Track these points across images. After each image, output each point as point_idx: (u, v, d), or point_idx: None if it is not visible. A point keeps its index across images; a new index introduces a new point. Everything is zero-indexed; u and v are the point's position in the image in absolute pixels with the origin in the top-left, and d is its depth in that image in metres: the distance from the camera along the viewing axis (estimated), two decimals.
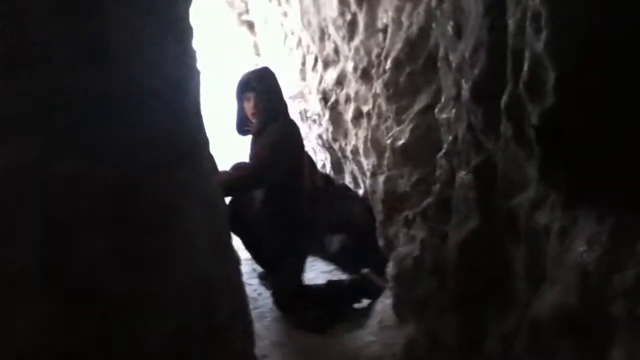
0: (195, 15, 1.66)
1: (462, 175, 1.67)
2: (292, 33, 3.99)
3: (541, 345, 1.11)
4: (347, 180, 3.73)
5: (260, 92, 3.00)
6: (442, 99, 1.87)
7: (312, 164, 3.31)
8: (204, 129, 1.56)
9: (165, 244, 1.28)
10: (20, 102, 1.06)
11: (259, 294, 3.18)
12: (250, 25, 5.09)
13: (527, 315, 1.18)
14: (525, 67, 1.09)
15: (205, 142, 1.54)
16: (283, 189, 2.86)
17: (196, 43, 1.58)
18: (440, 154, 1.89)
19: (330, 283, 2.98)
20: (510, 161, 1.30)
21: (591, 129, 0.99)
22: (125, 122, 1.21)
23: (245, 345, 1.77)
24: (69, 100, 1.10)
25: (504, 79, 1.26)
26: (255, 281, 3.29)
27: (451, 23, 1.68)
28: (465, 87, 1.53)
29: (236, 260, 1.71)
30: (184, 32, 1.52)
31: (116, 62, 1.20)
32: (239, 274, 1.72)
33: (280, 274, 2.83)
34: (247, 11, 5.01)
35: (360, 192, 3.51)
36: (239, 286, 1.71)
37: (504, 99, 1.24)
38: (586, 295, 0.96)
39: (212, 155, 1.63)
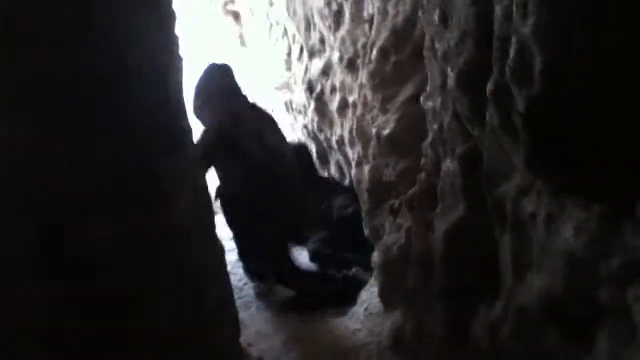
0: (180, 6, 1.64)
1: (447, 163, 1.67)
2: (278, 23, 3.96)
3: (527, 333, 1.11)
4: (333, 170, 3.73)
5: None
6: (428, 88, 1.86)
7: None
8: (186, 116, 1.54)
9: (158, 232, 1.27)
10: (11, 80, 1.03)
11: (244, 284, 3.18)
12: (236, 15, 5.04)
13: (513, 302, 1.19)
14: (512, 54, 1.09)
15: (189, 129, 1.52)
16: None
17: (181, 33, 1.56)
18: (426, 142, 1.88)
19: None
20: (496, 149, 1.29)
21: (579, 115, 0.99)
22: (113, 103, 1.19)
23: (231, 334, 1.77)
24: (58, 77, 1.08)
25: (490, 67, 1.26)
26: (240, 271, 3.28)
27: (437, 12, 1.67)
28: (452, 75, 1.52)
29: (221, 249, 1.70)
30: (167, 19, 1.50)
31: (101, 38, 1.18)
32: (224, 262, 1.72)
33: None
34: (232, 1, 4.96)
35: (346, 182, 3.50)
36: (225, 275, 1.71)
37: (490, 86, 1.23)
38: (572, 281, 0.97)
39: (194, 143, 1.62)
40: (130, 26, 1.27)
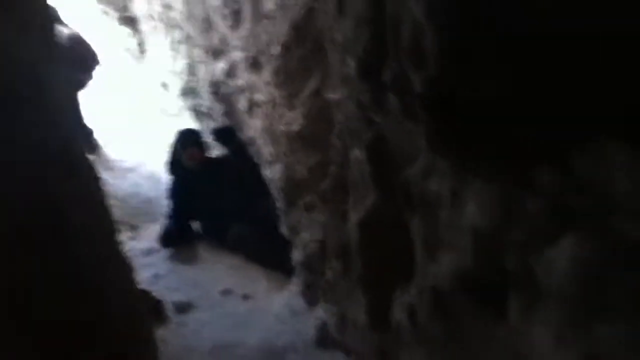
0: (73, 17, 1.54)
1: (355, 153, 1.67)
2: (176, 26, 3.83)
3: (443, 311, 1.13)
4: None
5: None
6: (331, 80, 1.86)
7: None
8: (73, 127, 1.44)
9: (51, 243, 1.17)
10: None
11: None
12: (133, 22, 4.83)
13: (427, 283, 1.20)
14: (406, 36, 1.09)
15: (75, 140, 1.42)
16: None
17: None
18: (334, 135, 1.88)
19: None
20: (399, 133, 1.31)
21: (473, 93, 1.01)
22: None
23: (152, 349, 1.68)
24: None
25: (386, 52, 1.27)
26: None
27: (334, 1, 1.67)
28: (351, 64, 1.52)
29: (129, 267, 1.61)
30: (45, 28, 1.39)
31: None
32: (132, 279, 1.62)
33: None
34: (128, 8, 4.75)
35: None
36: (133, 289, 1.61)
37: (388, 71, 1.24)
38: (480, 255, 0.98)
39: (84, 154, 1.51)
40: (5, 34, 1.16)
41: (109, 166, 4.49)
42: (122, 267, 1.56)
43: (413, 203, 1.27)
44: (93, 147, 4.36)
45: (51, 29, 1.41)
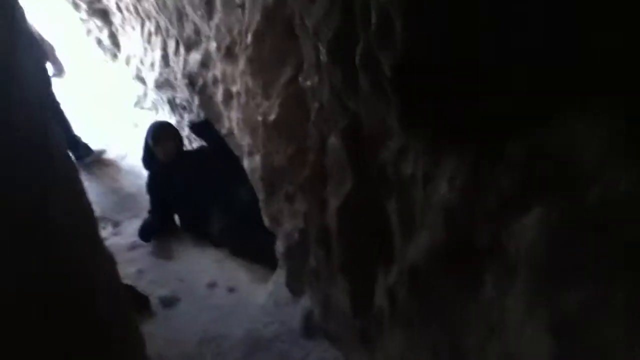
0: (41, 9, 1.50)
1: (332, 140, 1.66)
2: (149, 18, 3.77)
3: (420, 290, 1.14)
4: None
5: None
6: (305, 67, 1.85)
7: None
8: (50, 121, 1.41)
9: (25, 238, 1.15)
10: None
11: None
12: (104, 14, 4.74)
13: (405, 264, 1.20)
14: (374, 19, 1.09)
15: (51, 131, 1.39)
16: None
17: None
18: (310, 122, 1.87)
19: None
20: (372, 116, 1.30)
21: (440, 71, 1.01)
22: None
23: (131, 344, 1.67)
24: None
25: (356, 36, 1.26)
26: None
27: None
28: (323, 50, 1.51)
29: (109, 257, 1.60)
30: (14, 16, 1.35)
31: None
32: (116, 274, 1.61)
33: None
34: (98, 0, 4.65)
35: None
36: (116, 282, 1.60)
37: (358, 55, 1.23)
38: (453, 231, 0.99)
39: (63, 145, 1.49)
40: None
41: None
42: (104, 262, 1.54)
43: (389, 185, 1.28)
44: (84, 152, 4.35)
45: (22, 17, 1.37)
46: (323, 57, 1.52)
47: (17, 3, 1.38)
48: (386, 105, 1.19)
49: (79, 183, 1.64)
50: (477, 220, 0.93)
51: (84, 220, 1.54)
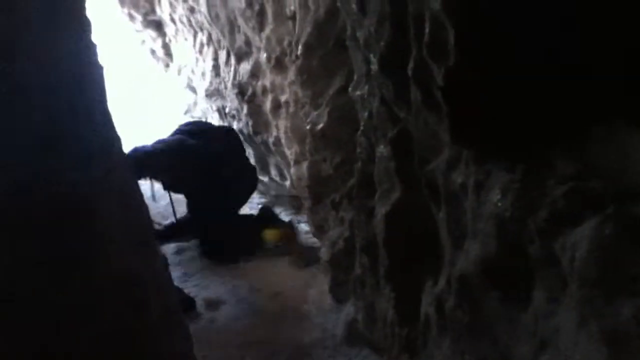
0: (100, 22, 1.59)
1: (380, 149, 1.69)
2: (202, 29, 3.90)
3: (469, 300, 1.14)
4: (273, 173, 3.71)
5: None
6: (355, 77, 1.88)
7: None
8: (112, 126, 1.48)
9: (80, 243, 1.22)
10: None
11: None
12: (158, 26, 4.92)
13: (454, 273, 1.21)
14: (427, 30, 1.11)
15: (113, 139, 1.47)
16: None
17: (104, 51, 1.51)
18: (359, 132, 1.90)
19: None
20: (423, 127, 1.32)
21: (493, 83, 1.02)
22: (25, 122, 1.13)
23: (181, 346, 1.72)
24: None
25: (409, 47, 1.29)
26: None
27: (355, 0, 1.70)
28: (374, 61, 1.54)
29: (163, 259, 1.65)
30: (83, 27, 1.44)
31: (20, 59, 1.12)
32: (166, 272, 1.67)
33: None
34: (153, 11, 4.84)
35: (287, 183, 3.49)
36: (168, 285, 1.65)
37: (411, 66, 1.26)
38: (505, 242, 1.00)
39: (123, 152, 1.56)
40: (45, 36, 1.21)
41: None
42: (158, 262, 1.60)
43: (438, 194, 1.29)
44: None
45: (90, 32, 1.46)
46: (374, 68, 1.55)
47: (87, 19, 1.46)
48: (437, 115, 1.20)
49: (135, 185, 1.71)
50: (529, 231, 0.94)
51: (139, 221, 1.60)
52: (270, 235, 3.35)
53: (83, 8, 1.46)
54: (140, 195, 1.68)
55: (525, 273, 0.95)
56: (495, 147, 1.06)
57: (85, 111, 1.36)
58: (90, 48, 1.48)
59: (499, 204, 0.98)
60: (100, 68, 1.51)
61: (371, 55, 1.57)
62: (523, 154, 1.01)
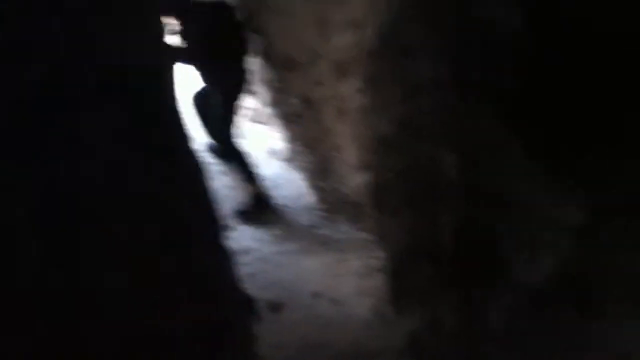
0: None
1: (447, 159, 1.67)
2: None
3: (541, 312, 1.11)
4: (333, 179, 3.72)
5: None
6: (422, 86, 1.87)
7: None
8: (182, 123, 1.53)
9: (154, 239, 1.26)
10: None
11: None
12: None
13: (523, 285, 1.18)
14: (504, 40, 1.10)
15: (185, 136, 1.51)
16: None
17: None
18: (425, 140, 1.89)
19: None
20: (492, 137, 1.30)
21: (569, 98, 1.00)
22: (102, 116, 1.19)
23: (249, 344, 1.75)
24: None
25: (482, 57, 1.27)
26: None
27: (423, 11, 1.69)
28: (444, 70, 1.54)
29: (230, 254, 1.69)
30: (160, 27, 1.51)
31: (101, 56, 1.18)
32: (234, 268, 1.70)
33: None
34: None
35: (347, 190, 3.49)
36: (237, 284, 1.70)
37: (480, 76, 1.24)
38: (580, 257, 0.97)
39: (194, 149, 1.59)
40: (126, 32, 1.27)
41: None
42: (230, 260, 1.64)
43: (509, 207, 1.26)
44: None
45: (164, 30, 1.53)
46: (442, 77, 1.54)
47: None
48: (510, 128, 1.18)
49: (205, 179, 1.75)
50: (606, 246, 0.91)
51: (211, 217, 1.64)
52: None
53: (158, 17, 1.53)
54: (211, 192, 1.72)
55: (599, 284, 0.92)
56: (570, 161, 1.03)
57: (156, 108, 1.41)
58: (165, 47, 1.54)
59: (575, 218, 0.95)
60: (172, 67, 1.58)
61: (439, 64, 1.56)
62: (596, 167, 0.98)
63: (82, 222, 1.13)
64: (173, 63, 1.67)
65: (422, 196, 1.99)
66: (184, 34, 3.58)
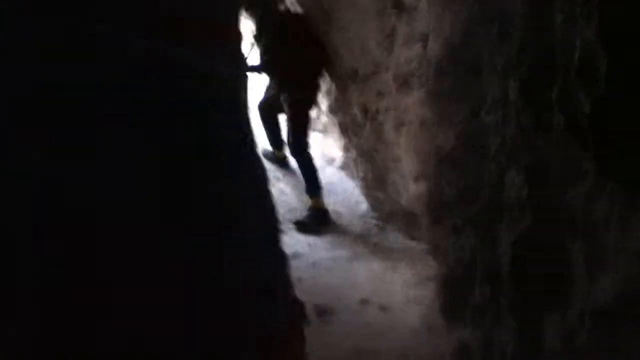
0: None
1: (512, 175, 1.67)
2: None
3: (604, 336, 1.10)
4: (390, 189, 3.75)
5: None
6: (488, 102, 1.88)
7: None
8: (252, 131, 1.59)
9: (226, 246, 1.32)
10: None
11: None
12: None
13: (588, 307, 1.18)
14: (577, 56, 1.11)
15: (254, 143, 1.57)
16: None
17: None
18: (489, 157, 1.89)
19: None
20: (563, 155, 1.30)
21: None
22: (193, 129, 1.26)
23: (298, 349, 1.80)
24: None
25: (554, 73, 1.28)
26: None
27: (495, 25, 1.71)
28: (514, 86, 1.54)
29: (286, 259, 1.74)
30: (238, 38, 1.58)
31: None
32: (289, 273, 1.75)
33: None
34: None
35: (403, 200, 3.51)
36: (290, 286, 1.74)
37: (555, 92, 1.25)
38: None
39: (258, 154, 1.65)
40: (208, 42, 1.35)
41: None
42: (287, 266, 1.69)
43: (575, 226, 1.26)
44: None
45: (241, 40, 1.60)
46: (513, 93, 1.55)
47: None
48: (581, 144, 1.19)
49: (267, 184, 1.80)
50: None
51: (271, 222, 1.69)
52: None
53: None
54: (272, 198, 1.78)
55: None
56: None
57: (234, 118, 1.48)
58: (242, 58, 1.62)
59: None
60: (246, 77, 1.65)
61: (510, 80, 1.57)
62: None
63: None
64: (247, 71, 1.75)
65: (484, 214, 1.99)
66: (260, 39, 3.70)
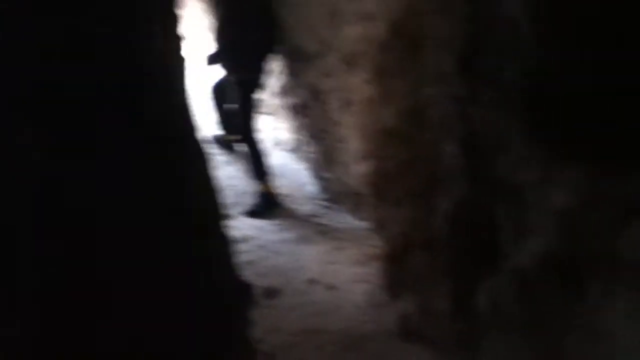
0: None
1: (448, 147, 1.72)
2: None
3: (527, 294, 1.16)
4: (338, 170, 3.78)
5: None
6: (428, 77, 1.92)
7: None
8: (191, 115, 1.57)
9: (156, 227, 1.30)
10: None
11: None
12: None
13: (513, 267, 1.24)
14: (503, 31, 1.15)
15: (191, 126, 1.55)
16: None
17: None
18: (427, 130, 1.94)
19: None
20: (492, 125, 1.35)
21: (568, 86, 1.05)
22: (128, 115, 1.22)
23: (246, 329, 1.81)
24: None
25: (485, 48, 1.32)
26: None
27: (435, 1, 1.74)
28: (449, 60, 1.59)
29: (230, 242, 1.74)
30: (173, 21, 1.55)
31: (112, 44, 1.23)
32: (233, 256, 1.75)
33: None
34: None
35: (350, 180, 3.55)
36: (236, 269, 1.74)
37: (485, 66, 1.29)
38: (567, 238, 1.02)
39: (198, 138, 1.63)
40: (142, 32, 1.31)
41: None
42: (228, 247, 1.69)
43: (503, 192, 1.32)
44: None
45: (176, 24, 1.56)
46: (448, 68, 1.59)
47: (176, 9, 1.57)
48: (509, 114, 1.24)
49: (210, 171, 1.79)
50: (590, 227, 0.96)
51: (214, 209, 1.68)
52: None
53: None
54: (214, 180, 1.76)
55: (583, 267, 0.97)
56: (563, 145, 1.08)
57: (173, 103, 1.46)
58: (178, 42, 1.58)
59: (563, 200, 1.01)
60: (184, 61, 1.62)
61: (447, 55, 1.62)
62: (590, 154, 1.03)
63: (85, 216, 1.12)
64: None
65: (422, 185, 2.04)
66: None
